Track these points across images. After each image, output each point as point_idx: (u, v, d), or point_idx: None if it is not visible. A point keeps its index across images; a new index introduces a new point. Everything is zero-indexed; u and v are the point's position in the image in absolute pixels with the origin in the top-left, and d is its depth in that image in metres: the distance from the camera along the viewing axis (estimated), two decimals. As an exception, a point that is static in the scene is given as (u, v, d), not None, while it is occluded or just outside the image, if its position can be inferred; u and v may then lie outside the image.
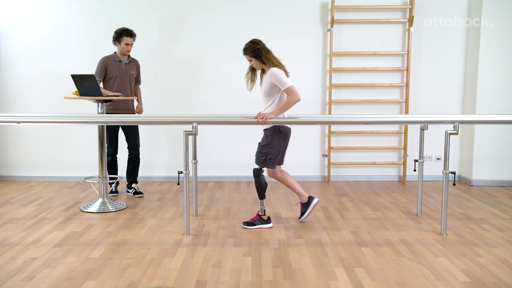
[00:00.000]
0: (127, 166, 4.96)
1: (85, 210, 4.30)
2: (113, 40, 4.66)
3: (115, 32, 4.63)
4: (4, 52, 5.63)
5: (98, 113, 4.36)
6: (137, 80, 4.93)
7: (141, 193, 4.92)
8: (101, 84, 4.65)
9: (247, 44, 3.74)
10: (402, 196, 4.95)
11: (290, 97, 3.58)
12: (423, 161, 4.17)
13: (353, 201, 4.72)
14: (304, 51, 5.64)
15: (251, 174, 5.79)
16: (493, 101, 5.38)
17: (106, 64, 4.65)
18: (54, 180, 5.74)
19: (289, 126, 3.75)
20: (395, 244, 3.42)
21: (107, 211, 4.28)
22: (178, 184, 3.76)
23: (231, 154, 5.79)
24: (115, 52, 4.74)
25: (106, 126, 4.56)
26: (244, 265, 3.02)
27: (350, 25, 5.59)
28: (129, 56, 4.78)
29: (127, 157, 4.95)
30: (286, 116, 3.71)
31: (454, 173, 3.67)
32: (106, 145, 4.55)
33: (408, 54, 5.56)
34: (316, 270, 2.93)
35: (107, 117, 3.93)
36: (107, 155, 4.75)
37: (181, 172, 3.61)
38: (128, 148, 4.90)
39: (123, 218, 4.06)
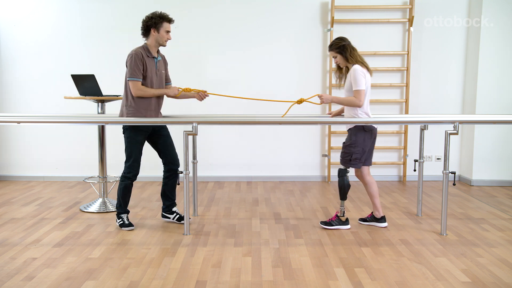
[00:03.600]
0: (164, 185, 3.93)
1: (85, 210, 4.30)
2: (147, 29, 3.68)
3: (151, 17, 3.65)
4: (4, 52, 5.63)
5: (98, 113, 4.36)
6: (168, 79, 3.96)
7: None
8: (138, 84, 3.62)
9: (333, 41, 3.72)
10: (402, 196, 4.95)
11: (354, 98, 3.58)
12: (423, 161, 4.17)
13: (353, 201, 4.72)
14: (304, 51, 5.64)
15: (251, 174, 5.83)
16: (493, 101, 5.38)
17: (143, 60, 3.61)
18: (54, 180, 5.74)
19: (374, 125, 3.71)
20: (395, 244, 3.42)
21: (107, 211, 4.28)
22: (178, 184, 3.76)
23: (231, 154, 5.79)
24: (146, 44, 3.72)
25: (132, 138, 3.67)
26: (244, 265, 3.02)
27: (350, 25, 5.59)
28: (158, 51, 3.80)
29: (163, 174, 3.94)
30: (370, 116, 3.69)
31: (454, 173, 3.66)
32: (106, 145, 4.53)
33: (408, 54, 5.55)
34: (316, 270, 2.93)
35: (107, 117, 3.93)
36: (126, 178, 3.74)
37: (181, 172, 3.61)
38: (165, 163, 3.89)
39: (123, 218, 4.06)
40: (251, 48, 5.63)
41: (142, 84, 3.63)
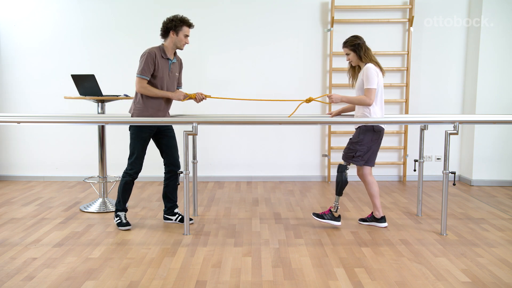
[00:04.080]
0: (165, 187, 3.93)
1: (85, 210, 4.30)
2: (166, 30, 3.66)
3: (172, 20, 3.64)
4: (4, 52, 5.63)
5: (98, 113, 4.36)
6: (179, 83, 3.94)
7: (191, 219, 3.90)
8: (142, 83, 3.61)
9: (348, 38, 3.74)
10: (402, 196, 4.95)
11: (364, 97, 3.58)
12: (423, 161, 4.17)
13: (353, 201, 4.72)
14: (304, 51, 5.64)
15: (251, 174, 5.83)
16: (493, 101, 5.38)
17: (155, 60, 3.60)
18: (54, 180, 5.74)
19: (383, 126, 3.71)
20: (395, 244, 3.42)
21: (107, 211, 4.28)
22: (178, 184, 3.76)
23: (231, 154, 5.79)
24: (163, 45, 3.70)
25: (136, 135, 3.68)
26: (244, 265, 3.02)
27: (350, 25, 5.59)
28: (175, 53, 3.78)
29: (164, 176, 3.94)
30: (383, 117, 3.70)
31: (454, 173, 3.66)
32: (106, 145, 4.53)
33: (408, 54, 5.56)
34: (316, 270, 2.93)
35: (107, 117, 3.93)
36: (127, 175, 3.74)
37: (181, 172, 3.61)
38: (166, 164, 3.89)
39: (123, 218, 4.06)
40: (251, 48, 5.63)
41: (152, 84, 3.65)
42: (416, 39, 5.61)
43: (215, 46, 5.63)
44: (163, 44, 3.71)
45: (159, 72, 3.64)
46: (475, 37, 5.44)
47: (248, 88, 5.62)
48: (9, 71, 5.64)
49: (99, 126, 4.43)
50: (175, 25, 3.62)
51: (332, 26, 5.49)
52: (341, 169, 3.74)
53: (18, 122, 3.63)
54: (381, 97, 3.67)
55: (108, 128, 4.85)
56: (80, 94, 4.22)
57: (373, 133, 3.67)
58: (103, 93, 4.31)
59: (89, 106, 5.35)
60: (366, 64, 3.64)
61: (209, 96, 3.84)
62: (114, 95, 4.34)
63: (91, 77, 4.08)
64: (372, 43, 5.55)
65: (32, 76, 5.64)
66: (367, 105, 3.60)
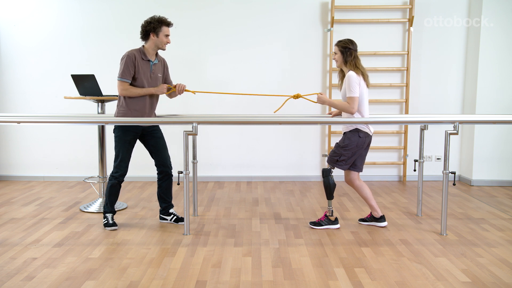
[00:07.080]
0: (158, 187, 3.94)
1: (85, 210, 4.30)
2: (146, 33, 3.65)
3: (150, 22, 3.62)
4: (4, 52, 5.63)
5: (98, 113, 4.36)
6: (168, 83, 3.92)
7: (183, 219, 3.92)
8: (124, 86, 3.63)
9: (344, 39, 3.71)
10: (402, 196, 4.95)
11: (347, 105, 3.58)
12: (423, 161, 4.17)
13: (353, 201, 4.72)
14: (304, 51, 5.64)
15: (251, 174, 5.83)
16: (493, 101, 5.38)
17: (135, 62, 3.60)
18: (54, 180, 5.74)
19: (370, 133, 3.71)
20: (395, 244, 3.42)
21: (107, 211, 4.28)
22: (178, 184, 3.76)
23: (231, 154, 5.79)
24: (143, 46, 3.70)
25: (120, 138, 3.70)
26: (244, 265, 3.02)
27: (350, 25, 5.59)
28: (157, 54, 3.77)
29: (156, 176, 3.96)
30: (370, 129, 3.71)
31: (454, 173, 3.66)
32: (106, 145, 4.54)
33: (408, 54, 5.55)
34: (316, 270, 2.93)
35: (107, 117, 3.92)
36: (113, 178, 3.75)
37: (181, 172, 3.61)
38: (157, 165, 3.90)
39: (123, 218, 4.06)
40: (251, 48, 5.63)
41: (134, 86, 3.65)
42: (416, 39, 5.61)
43: (216, 46, 5.63)
44: (143, 46, 3.71)
45: (140, 74, 3.63)
46: (475, 37, 5.44)
47: (248, 88, 5.61)
48: (9, 71, 5.64)
49: (99, 126, 4.43)
50: (154, 27, 3.61)
51: (332, 26, 5.49)
52: (326, 173, 3.76)
53: (18, 122, 3.63)
54: (365, 106, 3.66)
55: (108, 128, 4.85)
56: (80, 94, 4.22)
57: (359, 139, 3.68)
58: (103, 93, 4.32)
59: (89, 106, 5.35)
60: (349, 71, 3.63)
61: (191, 91, 3.89)
62: (114, 95, 4.34)
63: (91, 77, 4.08)
64: (372, 43, 5.60)
65: (32, 76, 5.64)
66: (350, 113, 3.62)
